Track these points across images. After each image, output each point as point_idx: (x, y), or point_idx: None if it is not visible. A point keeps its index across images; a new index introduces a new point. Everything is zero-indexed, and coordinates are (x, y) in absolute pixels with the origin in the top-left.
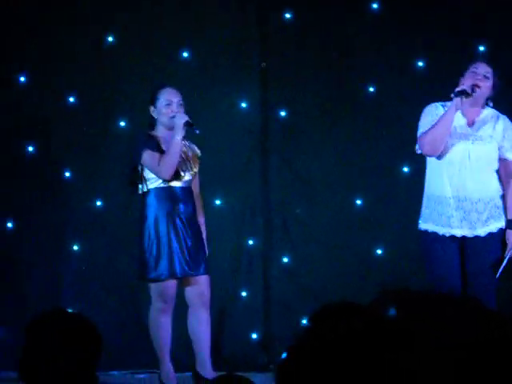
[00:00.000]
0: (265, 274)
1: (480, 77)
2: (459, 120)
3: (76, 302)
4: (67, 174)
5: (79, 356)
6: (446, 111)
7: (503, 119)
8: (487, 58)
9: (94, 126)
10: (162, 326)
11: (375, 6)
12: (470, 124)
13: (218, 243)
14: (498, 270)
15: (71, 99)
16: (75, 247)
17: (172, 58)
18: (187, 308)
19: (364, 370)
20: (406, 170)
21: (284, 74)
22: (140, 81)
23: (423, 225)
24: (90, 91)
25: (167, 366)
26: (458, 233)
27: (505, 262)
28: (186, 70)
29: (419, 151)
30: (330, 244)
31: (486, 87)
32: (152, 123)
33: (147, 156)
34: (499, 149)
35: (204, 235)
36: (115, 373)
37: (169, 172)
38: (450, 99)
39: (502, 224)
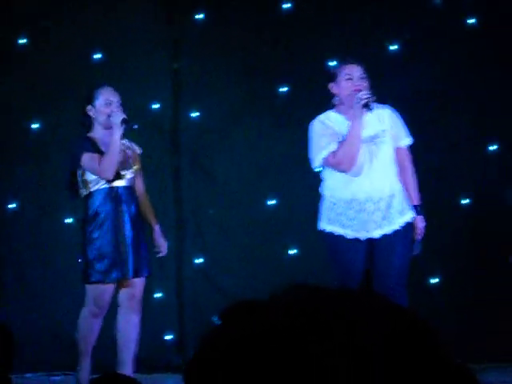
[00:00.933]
0: (178, 275)
1: (358, 82)
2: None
3: None
4: None
5: None
6: (353, 125)
7: (383, 108)
8: (353, 58)
9: (7, 127)
10: (91, 329)
11: (288, 5)
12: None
13: None
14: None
15: None
16: None
17: (84, 59)
18: (115, 308)
19: (272, 369)
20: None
21: (196, 74)
22: (53, 82)
23: (328, 227)
24: (2, 92)
25: (87, 367)
26: (378, 233)
27: (416, 247)
28: (99, 71)
29: (320, 168)
30: (244, 244)
31: (365, 88)
32: (88, 123)
33: (87, 158)
34: (394, 139)
35: (159, 233)
36: (30, 375)
37: (110, 171)
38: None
39: (410, 216)
